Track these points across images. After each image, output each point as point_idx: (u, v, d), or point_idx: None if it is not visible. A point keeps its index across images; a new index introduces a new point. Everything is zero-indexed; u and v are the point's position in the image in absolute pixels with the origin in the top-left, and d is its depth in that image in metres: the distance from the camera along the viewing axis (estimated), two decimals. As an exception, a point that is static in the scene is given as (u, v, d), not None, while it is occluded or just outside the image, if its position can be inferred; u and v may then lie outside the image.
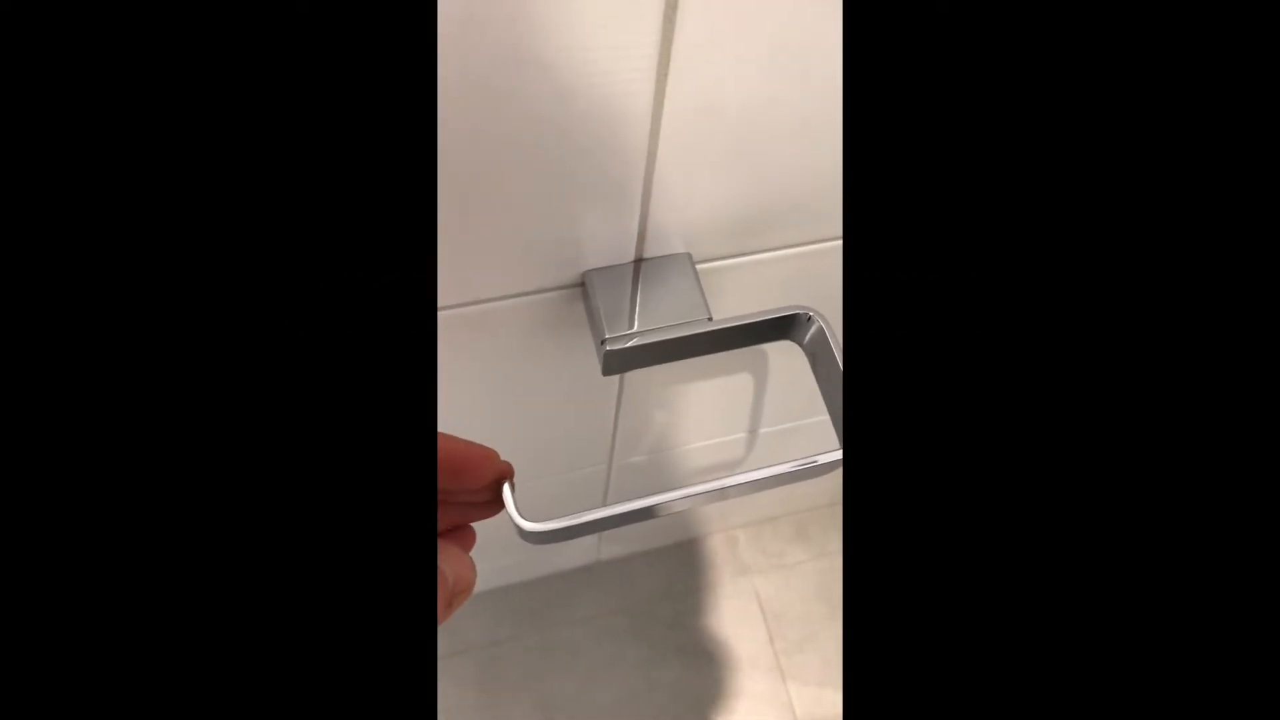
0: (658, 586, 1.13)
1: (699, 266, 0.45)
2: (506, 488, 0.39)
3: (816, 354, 0.43)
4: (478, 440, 0.31)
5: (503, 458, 0.33)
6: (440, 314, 0.43)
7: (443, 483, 0.31)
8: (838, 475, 1.09)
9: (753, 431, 0.76)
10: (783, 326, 0.44)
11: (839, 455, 0.41)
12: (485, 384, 0.51)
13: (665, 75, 0.32)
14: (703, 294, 0.43)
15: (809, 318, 0.43)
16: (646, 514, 0.40)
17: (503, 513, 0.36)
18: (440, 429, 0.50)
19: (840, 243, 0.48)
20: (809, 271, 0.49)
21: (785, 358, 0.63)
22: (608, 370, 0.43)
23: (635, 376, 0.59)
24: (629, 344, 0.42)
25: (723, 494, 0.40)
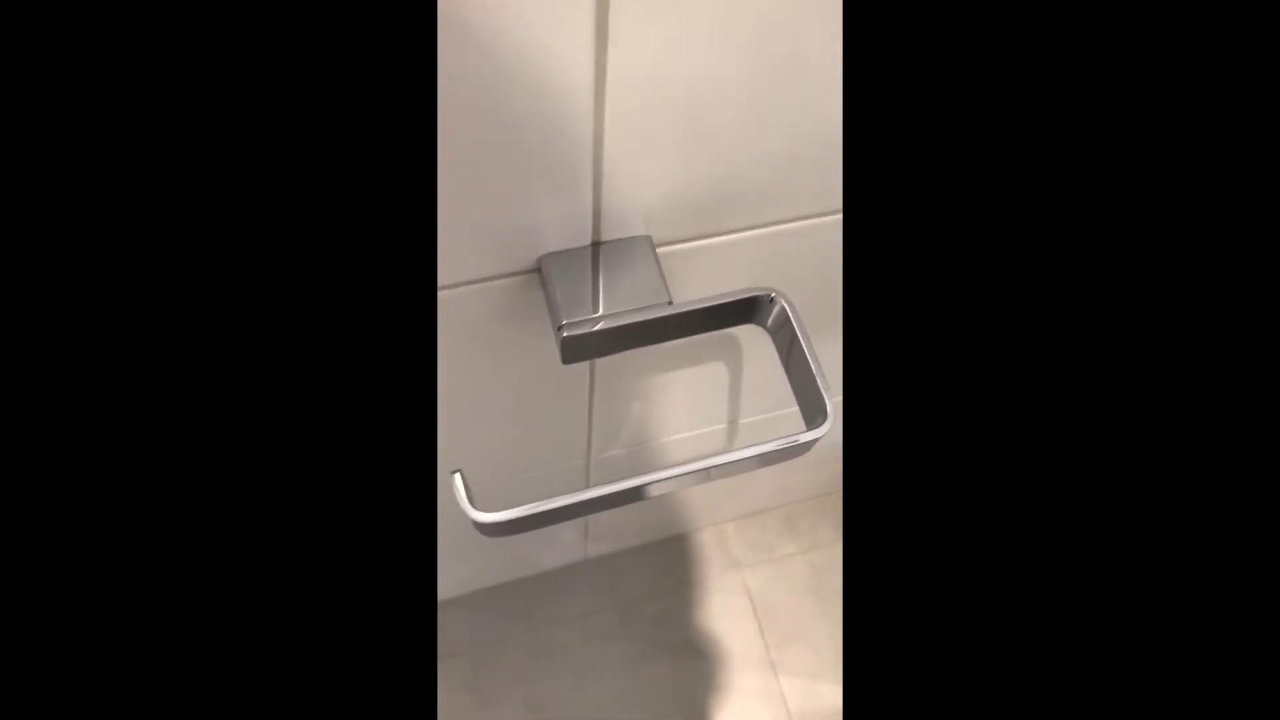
0: (646, 583, 1.12)
1: (660, 250, 0.44)
2: (457, 477, 0.38)
3: (778, 334, 0.42)
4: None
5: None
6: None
7: None
8: (826, 469, 1.08)
9: (733, 422, 0.75)
10: (745, 309, 0.43)
11: (820, 433, 0.40)
12: (444, 377, 0.50)
13: (605, 46, 0.31)
14: (662, 277, 0.42)
15: (771, 299, 0.42)
16: (610, 502, 0.39)
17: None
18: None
19: (803, 224, 0.47)
20: (774, 254, 0.48)
21: (760, 346, 0.62)
22: (567, 358, 0.42)
23: (607, 367, 0.58)
24: (587, 330, 0.41)
25: (705, 475, 0.39)
